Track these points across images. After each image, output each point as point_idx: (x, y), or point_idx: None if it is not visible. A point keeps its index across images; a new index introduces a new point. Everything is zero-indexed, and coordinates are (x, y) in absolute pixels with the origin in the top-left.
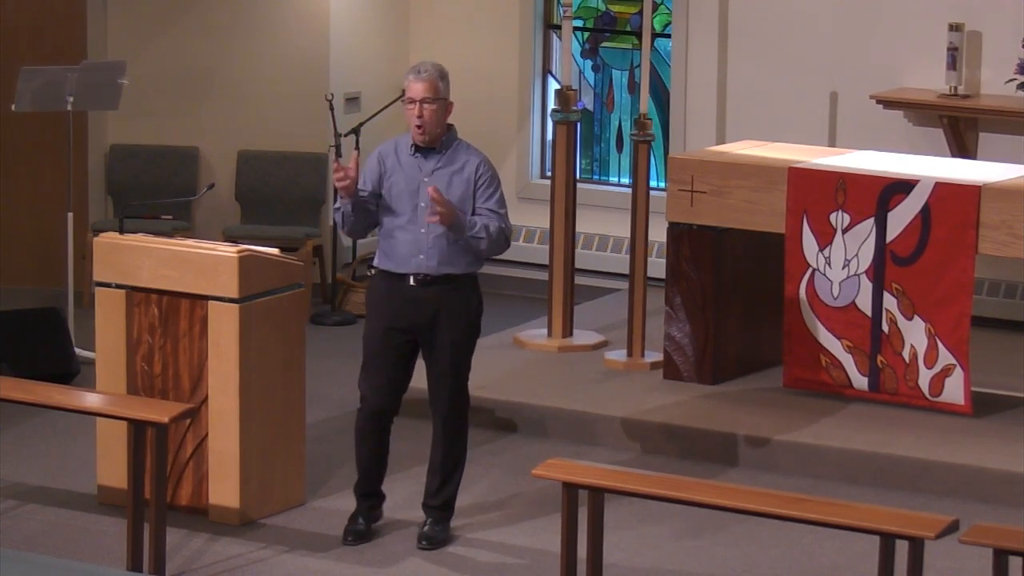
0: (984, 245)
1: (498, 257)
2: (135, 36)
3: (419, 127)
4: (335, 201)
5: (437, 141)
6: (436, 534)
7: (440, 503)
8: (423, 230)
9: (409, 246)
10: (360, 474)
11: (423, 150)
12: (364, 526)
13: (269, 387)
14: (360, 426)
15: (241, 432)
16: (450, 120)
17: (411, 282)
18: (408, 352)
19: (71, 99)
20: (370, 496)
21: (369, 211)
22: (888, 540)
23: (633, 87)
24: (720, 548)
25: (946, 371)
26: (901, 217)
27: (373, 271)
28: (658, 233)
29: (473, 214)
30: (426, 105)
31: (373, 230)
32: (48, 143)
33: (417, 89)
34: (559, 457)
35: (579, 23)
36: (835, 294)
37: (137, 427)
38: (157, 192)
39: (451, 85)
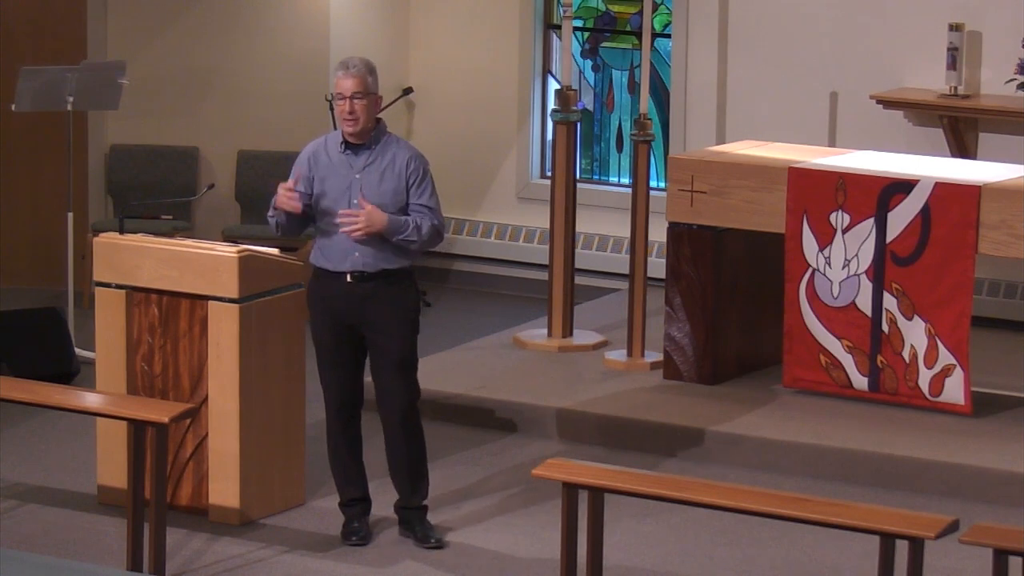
0: (984, 245)
1: (498, 257)
2: (135, 36)
3: (350, 122)
4: (268, 209)
5: (367, 136)
6: (431, 531)
7: (419, 503)
8: (342, 214)
9: (344, 244)
10: (340, 481)
11: (353, 147)
12: (361, 527)
13: (269, 387)
14: (329, 428)
15: (241, 432)
16: (444, 117)
17: (348, 279)
18: (356, 344)
19: (71, 99)
20: (356, 503)
21: (305, 215)
22: (888, 540)
23: (633, 87)
24: (720, 548)
25: (946, 371)
26: (901, 217)
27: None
28: (658, 233)
29: (406, 210)
30: (356, 100)
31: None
32: (48, 143)
33: (346, 85)
34: (559, 457)
35: (579, 23)
36: (835, 294)
37: (137, 427)
38: (157, 192)
39: (452, 86)
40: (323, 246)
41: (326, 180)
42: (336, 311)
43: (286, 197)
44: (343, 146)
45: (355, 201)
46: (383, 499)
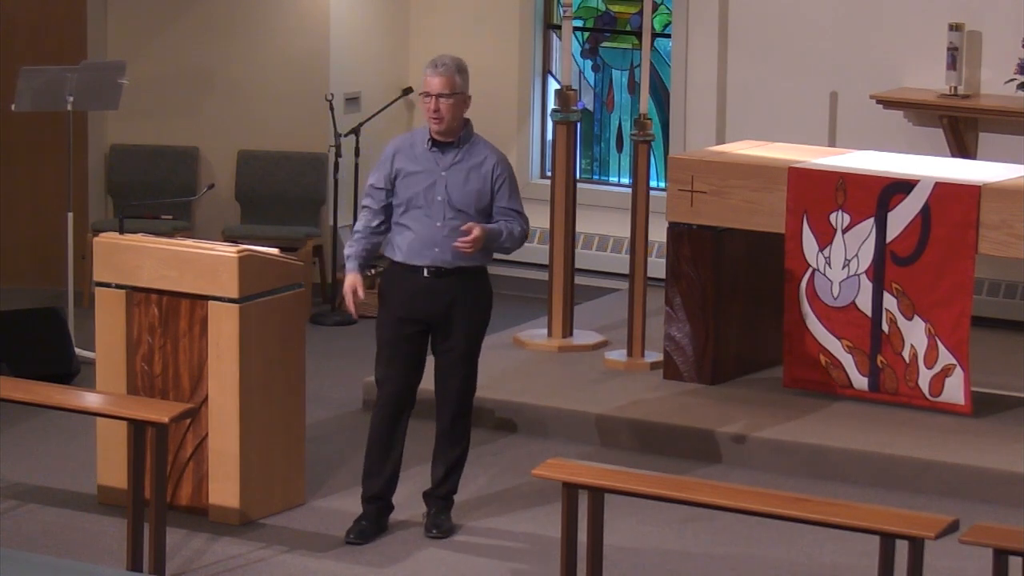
0: (984, 245)
1: (498, 257)
2: (135, 36)
3: (436, 121)
4: (347, 246)
5: (454, 135)
6: (443, 522)
7: (445, 492)
8: (438, 224)
9: (424, 239)
10: (368, 474)
11: (440, 144)
12: (368, 526)
13: (269, 387)
14: (375, 417)
15: (241, 432)
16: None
17: (425, 274)
18: (421, 342)
19: (71, 99)
20: (376, 501)
21: (375, 240)
22: (888, 540)
23: (633, 87)
24: (720, 548)
25: (946, 371)
26: (901, 217)
27: (373, 271)
28: (658, 233)
29: (491, 212)
30: (443, 100)
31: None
32: (48, 143)
33: (434, 84)
34: (559, 457)
35: (579, 23)
36: (835, 294)
37: (137, 427)
38: (157, 192)
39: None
40: (400, 241)
41: (410, 175)
42: (408, 304)
43: (349, 300)
44: (430, 143)
45: (439, 198)
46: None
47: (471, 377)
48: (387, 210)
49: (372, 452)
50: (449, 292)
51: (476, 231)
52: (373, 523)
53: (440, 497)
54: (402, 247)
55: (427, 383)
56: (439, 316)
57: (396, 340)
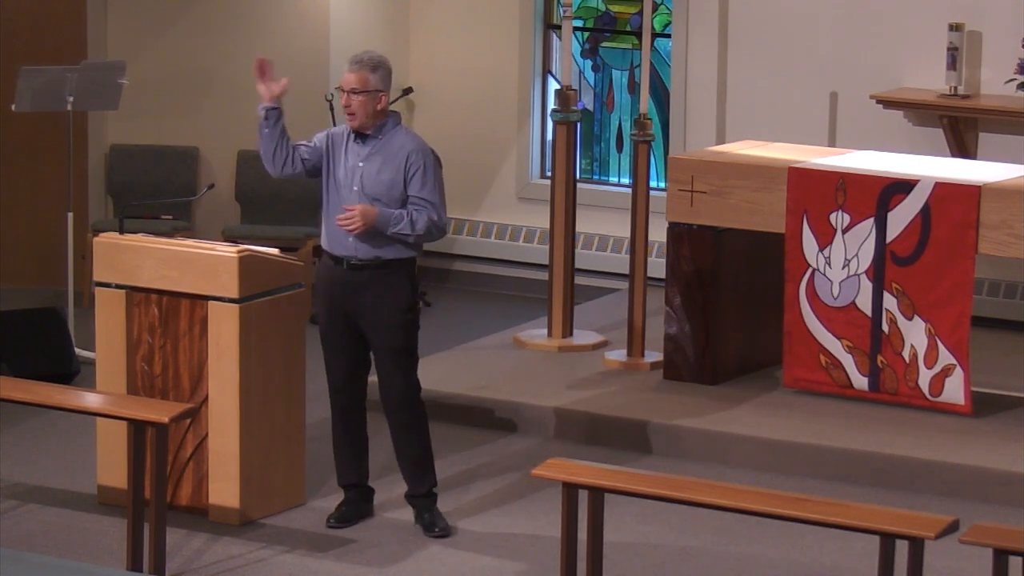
0: (984, 245)
1: (498, 257)
2: (135, 36)
3: (348, 116)
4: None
5: (370, 128)
6: (437, 520)
7: (425, 491)
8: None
9: (342, 229)
10: (337, 463)
11: (361, 136)
12: (348, 511)
13: (269, 387)
14: (332, 411)
15: (241, 432)
16: (444, 117)
17: (345, 266)
18: (355, 331)
19: (71, 99)
20: (353, 487)
21: (287, 139)
22: (888, 540)
23: (633, 87)
24: (720, 548)
25: (946, 371)
26: (901, 217)
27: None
28: (658, 233)
29: (406, 202)
30: (353, 96)
31: (284, 171)
32: (48, 143)
33: (348, 80)
34: (559, 457)
35: (579, 23)
36: (835, 294)
37: (137, 427)
38: (157, 192)
39: (452, 86)
40: (326, 228)
41: (336, 164)
42: (333, 296)
43: (258, 65)
44: (353, 135)
45: (355, 188)
46: (389, 496)
47: (405, 373)
48: (311, 154)
49: (335, 443)
50: (367, 286)
51: (357, 207)
52: (354, 507)
53: (420, 496)
54: (324, 234)
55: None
56: (360, 310)
57: (327, 333)
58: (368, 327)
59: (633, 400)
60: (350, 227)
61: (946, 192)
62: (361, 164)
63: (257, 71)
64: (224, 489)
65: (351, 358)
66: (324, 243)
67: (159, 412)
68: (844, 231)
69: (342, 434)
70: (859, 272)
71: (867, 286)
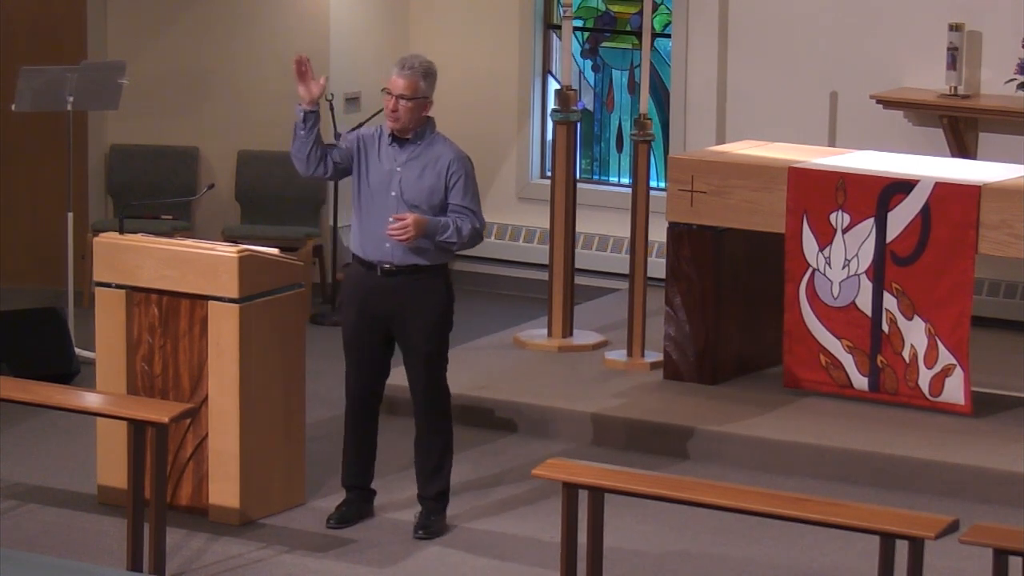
0: (984, 245)
1: (498, 257)
2: (135, 36)
3: (393, 119)
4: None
5: (410, 132)
6: (431, 523)
7: (433, 493)
8: (390, 219)
9: (376, 234)
10: (344, 464)
11: (399, 140)
12: (348, 511)
13: (269, 387)
14: (346, 413)
15: (241, 432)
16: (444, 117)
17: (378, 272)
18: (381, 342)
19: (71, 99)
20: (355, 489)
21: (321, 141)
22: (888, 540)
23: (633, 87)
24: (720, 548)
25: (946, 371)
26: (901, 217)
27: (346, 265)
28: (658, 233)
29: (445, 210)
30: (402, 102)
31: (316, 172)
32: (48, 143)
33: (397, 84)
34: (559, 457)
35: (579, 23)
36: (835, 294)
37: (137, 427)
38: (157, 192)
39: (451, 86)
40: (358, 233)
41: (370, 165)
42: (366, 302)
43: (299, 63)
44: (390, 138)
45: (393, 193)
46: (390, 497)
47: (437, 379)
48: (342, 157)
49: (345, 445)
50: (402, 291)
51: (410, 218)
52: (354, 508)
53: (430, 499)
54: (356, 239)
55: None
56: (394, 316)
57: (354, 341)
58: (401, 331)
59: (633, 400)
60: (402, 237)
61: (946, 192)
62: (399, 169)
63: (297, 71)
64: (224, 489)
65: (376, 366)
66: (356, 248)
67: (159, 412)
68: (844, 231)
69: (354, 437)
70: (859, 272)
71: (867, 286)
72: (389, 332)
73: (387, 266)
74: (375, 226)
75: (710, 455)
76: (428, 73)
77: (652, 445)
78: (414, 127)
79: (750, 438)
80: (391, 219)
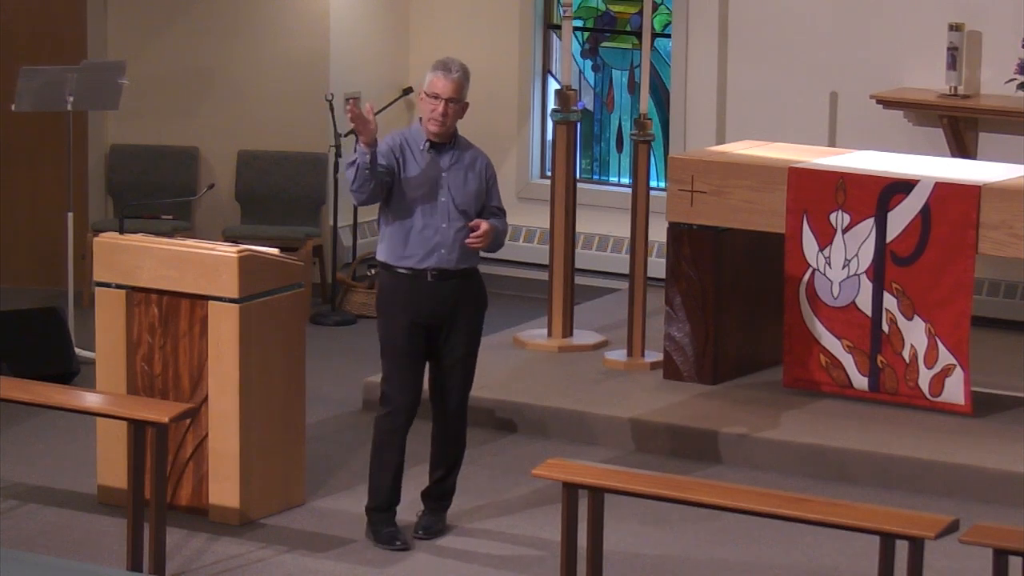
0: (984, 245)
1: (498, 257)
2: (135, 36)
3: (439, 123)
4: (353, 151)
5: (449, 136)
6: (433, 524)
7: (441, 493)
8: (444, 225)
9: (429, 241)
10: (383, 484)
11: (436, 145)
12: (398, 529)
13: (269, 387)
14: (385, 430)
15: (241, 432)
16: None
17: (428, 277)
18: (425, 348)
19: (71, 99)
20: (392, 506)
21: (382, 176)
22: (888, 540)
23: (633, 87)
24: (720, 548)
25: (946, 371)
26: (901, 217)
27: (374, 271)
28: (658, 233)
29: (483, 211)
30: (451, 104)
31: (373, 202)
32: (48, 143)
33: (446, 87)
34: (559, 457)
35: (579, 23)
36: (835, 294)
37: (137, 427)
38: (157, 192)
39: None
40: (401, 242)
41: (410, 174)
42: (416, 309)
43: (354, 116)
44: (427, 143)
45: (443, 199)
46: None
47: (470, 378)
48: (390, 176)
49: (384, 462)
50: (453, 294)
51: (484, 225)
52: (396, 525)
53: (438, 498)
54: (395, 248)
55: None
56: (443, 319)
57: (407, 349)
58: (447, 335)
59: (633, 400)
60: (479, 245)
61: (946, 192)
62: (445, 175)
63: (351, 118)
64: (224, 489)
65: (420, 375)
66: (393, 257)
67: (159, 412)
68: (844, 231)
69: (396, 454)
70: (859, 272)
71: (867, 286)
72: (431, 341)
73: (438, 271)
74: (425, 234)
75: (710, 455)
76: (468, 75)
77: (652, 445)
78: (453, 131)
79: (750, 438)
80: (459, 226)
